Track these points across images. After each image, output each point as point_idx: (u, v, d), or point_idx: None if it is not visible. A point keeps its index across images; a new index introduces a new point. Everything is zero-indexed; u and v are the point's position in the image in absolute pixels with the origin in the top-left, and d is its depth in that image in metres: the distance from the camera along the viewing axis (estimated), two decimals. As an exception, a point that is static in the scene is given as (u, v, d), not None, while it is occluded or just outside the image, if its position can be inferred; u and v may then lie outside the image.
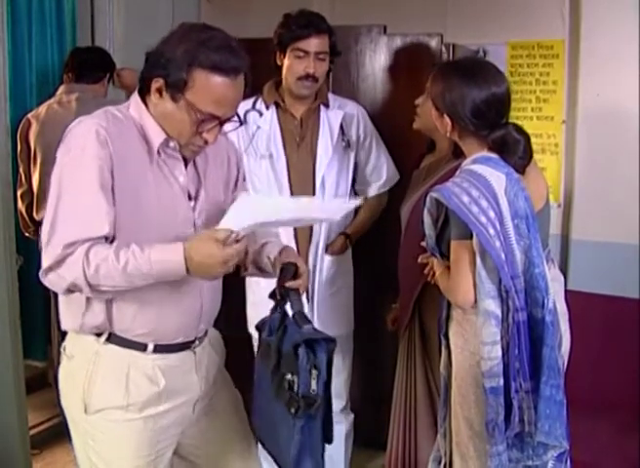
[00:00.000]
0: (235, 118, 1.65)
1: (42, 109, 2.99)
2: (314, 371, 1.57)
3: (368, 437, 3.00)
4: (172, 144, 1.64)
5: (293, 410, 1.58)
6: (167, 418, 1.72)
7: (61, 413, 2.94)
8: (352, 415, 2.84)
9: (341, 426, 2.79)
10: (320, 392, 1.57)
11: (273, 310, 1.74)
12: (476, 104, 1.88)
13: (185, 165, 1.69)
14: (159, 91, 1.59)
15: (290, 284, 1.71)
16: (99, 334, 1.67)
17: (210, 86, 1.55)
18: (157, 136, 1.62)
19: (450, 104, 1.91)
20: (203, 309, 1.74)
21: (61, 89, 3.02)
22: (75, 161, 1.55)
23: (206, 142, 1.63)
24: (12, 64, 3.11)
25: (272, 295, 1.74)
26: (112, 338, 1.66)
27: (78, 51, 3.14)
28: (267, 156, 2.52)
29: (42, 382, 3.59)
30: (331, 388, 1.65)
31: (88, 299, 1.63)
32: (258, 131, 2.54)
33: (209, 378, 1.83)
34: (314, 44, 2.43)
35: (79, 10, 3.42)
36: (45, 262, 1.52)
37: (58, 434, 3.23)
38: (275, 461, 1.75)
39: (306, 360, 1.57)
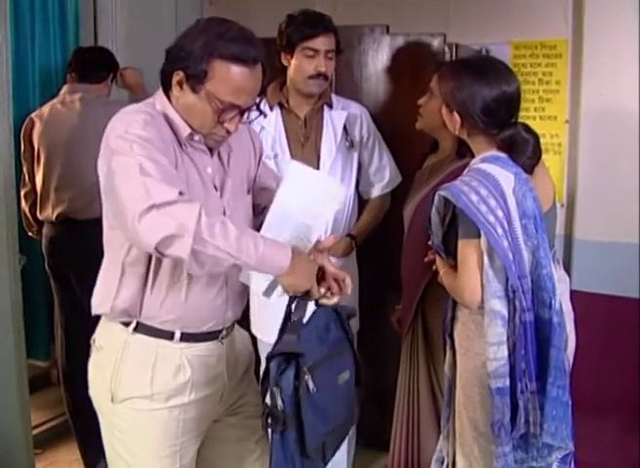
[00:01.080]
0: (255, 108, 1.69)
1: (45, 109, 2.99)
2: (275, 389, 1.54)
3: (371, 437, 3.00)
4: (197, 138, 1.67)
5: (262, 424, 1.57)
6: (193, 410, 1.73)
7: (68, 412, 2.99)
8: (355, 415, 2.83)
9: (344, 426, 2.79)
10: (288, 409, 1.54)
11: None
12: (487, 102, 1.88)
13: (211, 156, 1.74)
14: (180, 83, 1.62)
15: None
16: (127, 324, 1.70)
17: (229, 76, 1.58)
18: (183, 130, 1.65)
19: (460, 101, 1.91)
20: (229, 296, 1.76)
21: (65, 89, 3.02)
22: (141, 136, 1.54)
23: (228, 132, 1.66)
24: (15, 64, 3.10)
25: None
26: (140, 328, 1.69)
27: (81, 51, 3.14)
28: (272, 156, 2.52)
29: (45, 382, 3.60)
30: (301, 405, 1.56)
31: (121, 281, 1.66)
32: (262, 131, 2.53)
33: (237, 373, 1.84)
34: (324, 42, 2.44)
35: (82, 9, 3.43)
36: (148, 201, 1.44)
37: (61, 433, 3.24)
38: None
39: (274, 373, 1.55)
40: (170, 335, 1.70)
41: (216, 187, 1.73)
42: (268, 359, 1.58)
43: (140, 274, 1.66)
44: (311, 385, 1.57)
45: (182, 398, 1.71)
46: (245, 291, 1.84)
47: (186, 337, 1.71)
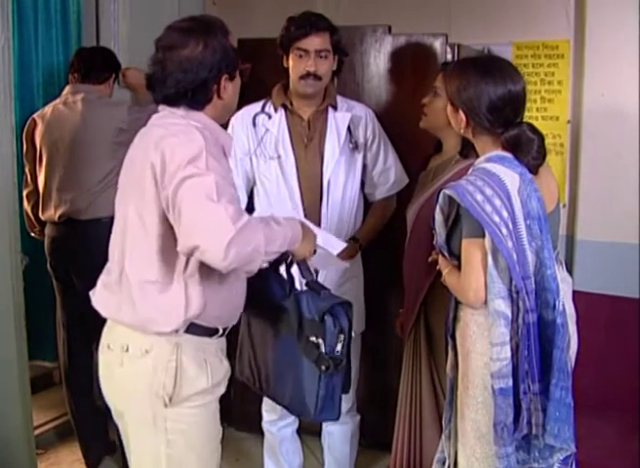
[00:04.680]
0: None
1: (48, 109, 2.99)
2: (341, 336, 1.76)
3: (373, 437, 3.00)
4: None
5: (323, 368, 1.75)
6: (218, 399, 1.84)
7: (69, 411, 2.99)
8: (358, 416, 2.84)
9: (347, 426, 2.79)
10: (344, 352, 1.77)
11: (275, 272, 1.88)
12: (492, 101, 1.87)
13: None
14: (225, 87, 1.75)
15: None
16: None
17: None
18: (230, 139, 1.83)
19: (466, 100, 1.90)
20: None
21: (67, 89, 3.02)
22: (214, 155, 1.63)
23: None
24: (18, 65, 3.12)
25: (276, 263, 1.85)
26: (191, 328, 1.73)
27: (83, 51, 3.13)
28: (276, 157, 2.53)
29: (48, 382, 3.61)
30: (351, 346, 1.82)
31: (187, 294, 1.69)
32: (266, 133, 2.55)
33: None
34: (313, 42, 2.44)
35: (84, 10, 3.43)
36: (225, 237, 1.49)
37: (63, 434, 3.25)
38: (286, 408, 1.95)
39: (333, 326, 1.76)
40: (213, 332, 1.78)
41: None
42: (321, 314, 1.77)
43: (199, 281, 1.70)
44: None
45: (222, 388, 1.83)
46: None
47: (223, 332, 1.82)
